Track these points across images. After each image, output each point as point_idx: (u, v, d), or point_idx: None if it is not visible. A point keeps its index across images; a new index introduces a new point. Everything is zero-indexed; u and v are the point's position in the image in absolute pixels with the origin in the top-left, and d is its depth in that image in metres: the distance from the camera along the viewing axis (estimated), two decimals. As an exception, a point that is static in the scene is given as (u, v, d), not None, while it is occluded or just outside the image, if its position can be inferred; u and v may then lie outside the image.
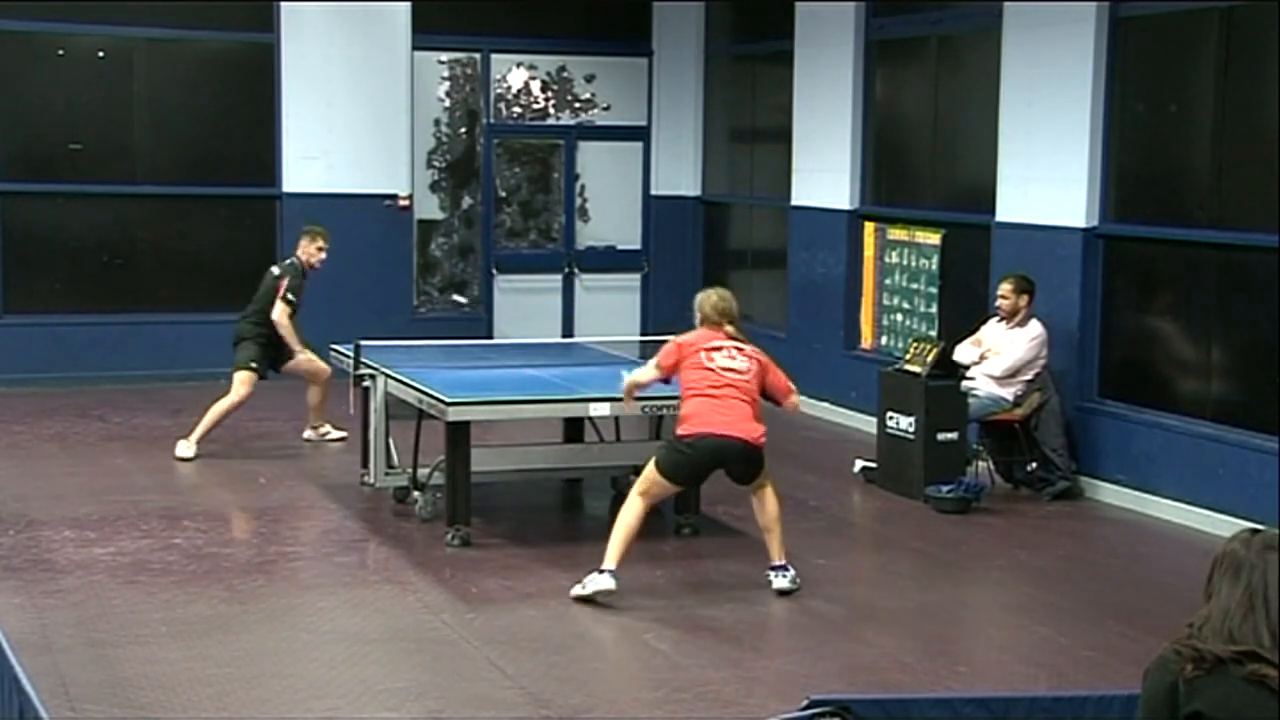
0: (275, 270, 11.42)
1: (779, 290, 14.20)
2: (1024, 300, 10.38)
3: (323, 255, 11.47)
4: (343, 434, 11.56)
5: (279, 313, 11.18)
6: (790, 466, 11.38)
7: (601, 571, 7.71)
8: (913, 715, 4.22)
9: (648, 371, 8.25)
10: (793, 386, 8.34)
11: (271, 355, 11.36)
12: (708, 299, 8.21)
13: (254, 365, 11.24)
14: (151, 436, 11.78)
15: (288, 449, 11.47)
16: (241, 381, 11.19)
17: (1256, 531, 3.83)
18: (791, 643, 7.29)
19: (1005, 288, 10.44)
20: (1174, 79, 10.22)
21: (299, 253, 11.46)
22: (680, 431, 7.90)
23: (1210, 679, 3.63)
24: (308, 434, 11.74)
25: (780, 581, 8.01)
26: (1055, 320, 10.50)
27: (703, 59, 15.56)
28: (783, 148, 13.96)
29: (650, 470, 7.90)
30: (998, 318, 10.56)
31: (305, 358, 11.37)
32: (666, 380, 8.20)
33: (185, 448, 11.02)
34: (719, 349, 7.98)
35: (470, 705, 6.39)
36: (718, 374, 7.89)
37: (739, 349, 8.03)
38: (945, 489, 9.92)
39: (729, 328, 8.10)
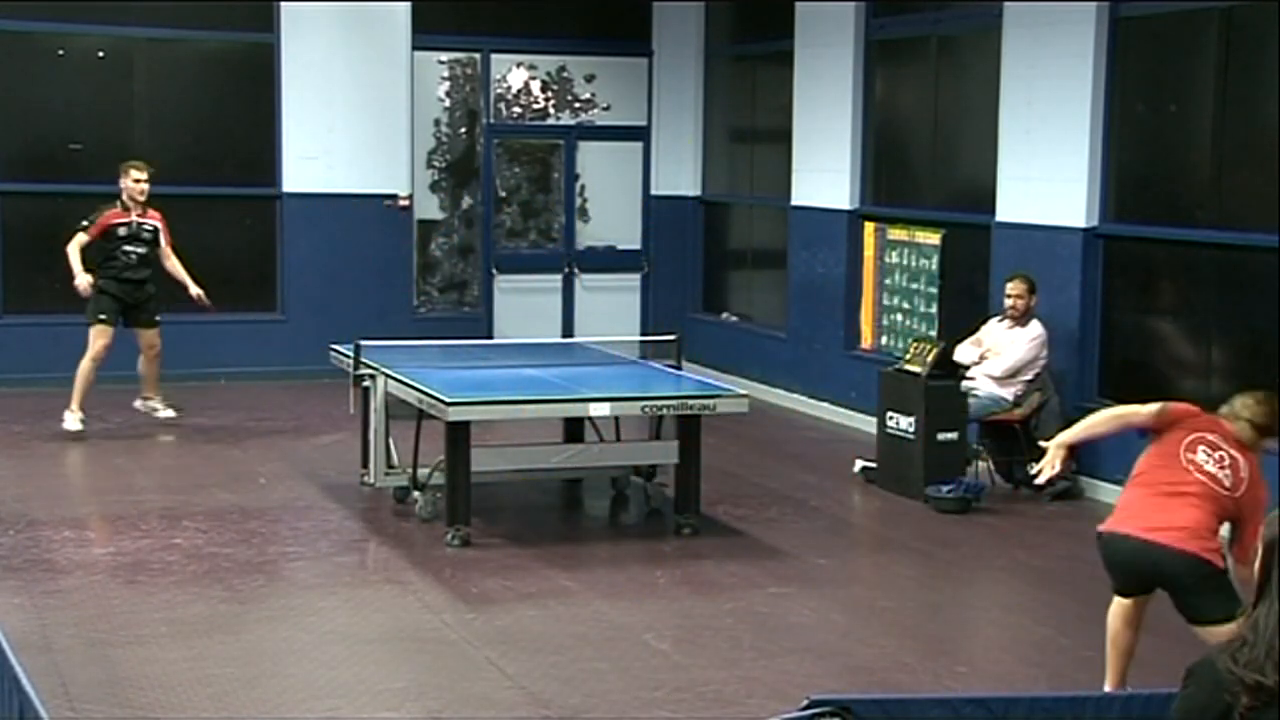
0: None
1: (779, 290, 14.20)
2: (1034, 300, 10.40)
3: (140, 185, 11.70)
4: (172, 412, 12.00)
5: (73, 242, 11.54)
6: (790, 466, 11.40)
7: None
8: (913, 715, 4.21)
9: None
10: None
11: (121, 308, 11.66)
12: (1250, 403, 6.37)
13: (103, 317, 11.55)
14: (151, 436, 11.78)
15: (288, 449, 11.47)
16: (96, 335, 11.57)
17: None
18: (791, 643, 7.29)
19: (1020, 288, 10.41)
20: (1174, 79, 10.22)
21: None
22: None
23: (1269, 713, 3.43)
24: (137, 404, 12.03)
25: None
26: (1055, 320, 10.50)
27: (703, 59, 15.55)
28: (783, 148, 13.96)
29: None
30: (1000, 317, 10.57)
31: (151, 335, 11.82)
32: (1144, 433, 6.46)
33: (73, 420, 11.50)
34: (1212, 446, 6.21)
35: (470, 705, 6.39)
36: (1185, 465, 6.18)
37: (1235, 463, 6.18)
38: (945, 489, 9.92)
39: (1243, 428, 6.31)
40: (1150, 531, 6.04)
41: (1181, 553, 5.94)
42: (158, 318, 11.83)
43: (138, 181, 11.68)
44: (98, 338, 11.52)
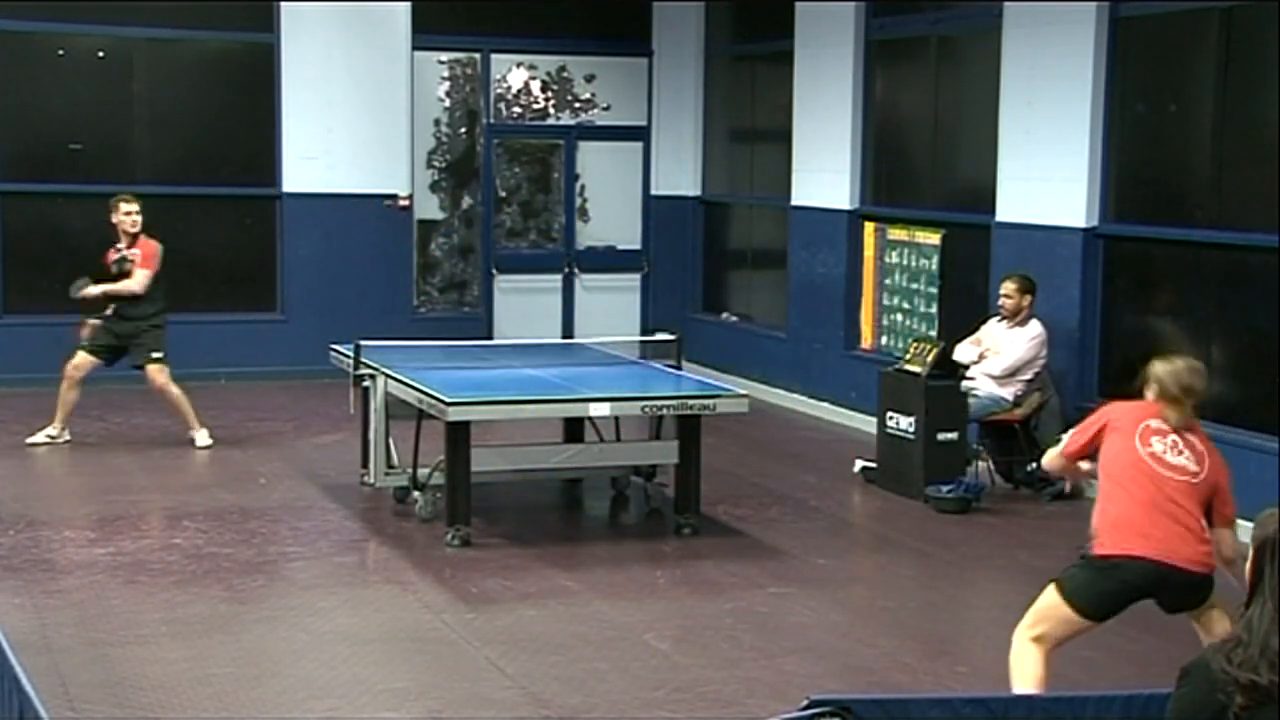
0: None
1: (779, 290, 14.20)
2: (1027, 300, 10.40)
3: (130, 218, 11.33)
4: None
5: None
6: (790, 466, 11.40)
7: None
8: (913, 715, 4.21)
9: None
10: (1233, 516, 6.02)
11: (113, 346, 11.31)
12: (1174, 370, 5.98)
13: (95, 345, 11.25)
14: (151, 436, 11.78)
15: (288, 449, 11.47)
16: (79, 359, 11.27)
17: None
18: (791, 643, 7.29)
19: (1010, 287, 10.44)
20: (1174, 79, 10.22)
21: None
22: (1100, 549, 5.83)
23: (1264, 712, 3.44)
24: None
25: None
26: (1055, 320, 10.50)
27: (703, 59, 15.56)
28: (783, 148, 13.96)
29: (1054, 602, 5.94)
30: (998, 317, 10.57)
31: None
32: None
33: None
34: (1161, 433, 5.89)
35: (470, 705, 6.39)
36: (1154, 467, 5.81)
37: (1189, 442, 5.91)
38: (945, 489, 9.92)
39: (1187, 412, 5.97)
40: (1166, 554, 5.67)
41: (1199, 574, 5.71)
42: (154, 354, 11.24)
43: (129, 214, 11.34)
44: (80, 362, 11.21)
